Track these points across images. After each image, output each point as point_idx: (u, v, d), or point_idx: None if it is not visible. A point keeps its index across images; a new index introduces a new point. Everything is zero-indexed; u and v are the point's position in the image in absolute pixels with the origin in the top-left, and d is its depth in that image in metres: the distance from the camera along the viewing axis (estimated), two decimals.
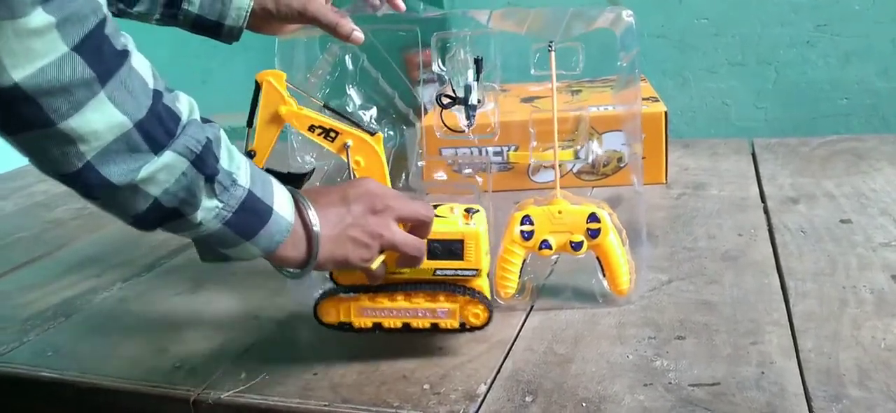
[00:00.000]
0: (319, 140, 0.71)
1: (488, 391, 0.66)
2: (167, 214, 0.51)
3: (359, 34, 0.82)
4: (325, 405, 0.67)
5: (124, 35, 0.48)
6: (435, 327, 0.71)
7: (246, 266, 1.00)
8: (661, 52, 1.66)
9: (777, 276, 0.84)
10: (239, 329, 0.83)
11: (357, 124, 0.72)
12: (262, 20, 0.85)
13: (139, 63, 0.48)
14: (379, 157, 0.71)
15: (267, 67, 0.73)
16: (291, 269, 0.61)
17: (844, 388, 0.62)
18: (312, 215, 0.59)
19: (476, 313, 0.71)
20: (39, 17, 0.41)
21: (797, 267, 0.86)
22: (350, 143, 0.70)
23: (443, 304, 0.71)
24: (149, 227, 0.52)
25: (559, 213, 0.79)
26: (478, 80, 0.82)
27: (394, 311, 0.71)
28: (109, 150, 0.46)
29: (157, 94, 0.49)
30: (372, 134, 0.71)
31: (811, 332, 0.71)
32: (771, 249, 0.92)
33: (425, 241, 0.67)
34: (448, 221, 0.70)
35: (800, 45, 1.58)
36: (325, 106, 0.72)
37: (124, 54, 0.47)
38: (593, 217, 0.78)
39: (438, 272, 0.70)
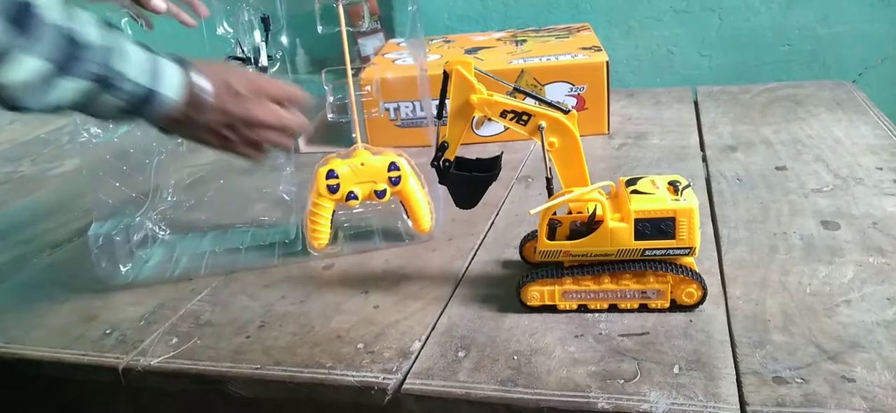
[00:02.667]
0: (512, 125, 0.67)
1: (422, 348, 0.66)
2: (75, 110, 0.62)
3: (159, 2, 0.80)
4: (256, 368, 0.66)
5: None
6: (643, 308, 0.68)
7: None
8: (606, 0, 1.65)
9: (711, 224, 0.85)
10: (172, 294, 0.82)
11: (549, 104, 0.67)
12: None
13: (45, 6, 0.55)
14: (574, 135, 0.67)
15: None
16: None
17: (769, 333, 0.63)
18: (203, 83, 0.67)
19: (689, 292, 0.67)
20: None
21: (730, 215, 0.87)
22: (544, 124, 0.66)
23: (652, 284, 0.67)
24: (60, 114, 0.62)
25: (362, 164, 0.83)
26: (266, 40, 0.83)
27: (600, 293, 0.68)
28: (29, 86, 0.56)
29: (60, 30, 0.56)
30: (565, 112, 0.67)
31: (740, 279, 0.72)
32: (707, 198, 0.93)
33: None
34: (656, 198, 0.65)
35: None
36: (515, 90, 0.69)
37: (30, 5, 0.54)
38: (393, 166, 0.84)
39: (647, 252, 0.66)
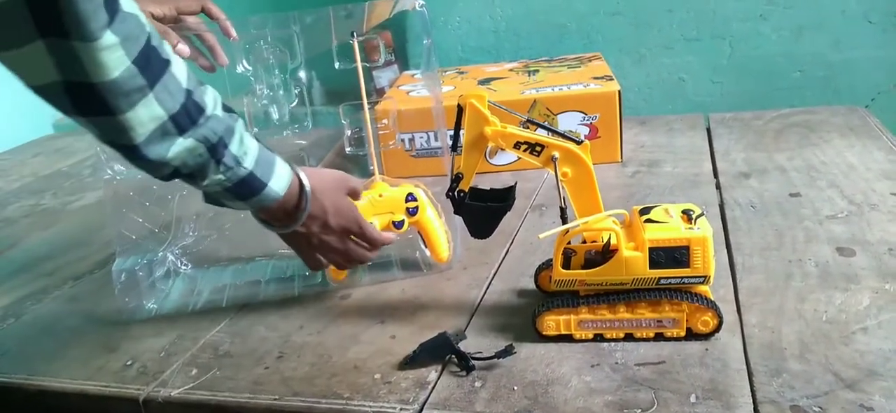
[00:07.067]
0: (526, 156, 0.68)
1: (439, 378, 0.66)
2: (183, 177, 0.65)
3: (183, 47, 0.82)
4: (275, 399, 0.66)
5: (164, 44, 0.59)
6: (659, 337, 0.68)
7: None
8: (617, 29, 1.67)
9: (726, 251, 0.85)
10: (191, 325, 0.83)
11: (562, 135, 0.68)
12: None
13: (177, 67, 0.60)
14: (587, 165, 0.67)
15: None
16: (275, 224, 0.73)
17: (785, 361, 0.63)
18: (305, 180, 0.71)
19: (705, 321, 0.67)
20: (109, 38, 0.52)
21: (745, 242, 0.87)
22: (557, 155, 0.67)
23: (668, 313, 0.67)
24: (167, 180, 0.65)
25: (380, 196, 0.84)
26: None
27: (616, 322, 0.68)
28: (151, 135, 0.59)
29: (188, 92, 0.60)
30: (578, 143, 0.67)
31: (756, 306, 0.72)
32: (721, 225, 0.93)
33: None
34: (669, 227, 0.66)
35: (753, 19, 1.59)
36: (528, 121, 0.70)
37: (166, 63, 0.58)
38: (411, 196, 0.85)
39: (662, 281, 0.66)
